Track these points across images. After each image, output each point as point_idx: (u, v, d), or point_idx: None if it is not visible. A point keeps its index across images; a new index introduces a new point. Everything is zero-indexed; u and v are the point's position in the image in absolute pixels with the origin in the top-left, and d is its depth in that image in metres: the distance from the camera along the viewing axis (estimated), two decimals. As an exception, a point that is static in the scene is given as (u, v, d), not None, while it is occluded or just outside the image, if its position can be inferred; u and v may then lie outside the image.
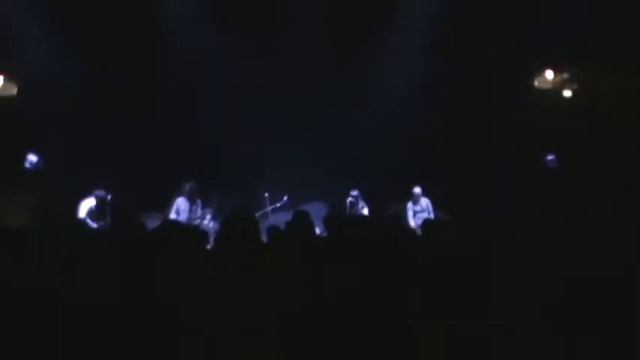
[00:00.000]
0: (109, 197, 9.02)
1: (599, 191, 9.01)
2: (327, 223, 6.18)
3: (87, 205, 9.10)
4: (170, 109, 11.12)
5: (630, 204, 4.30)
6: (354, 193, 10.47)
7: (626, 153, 9.83)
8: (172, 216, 9.04)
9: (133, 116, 10.64)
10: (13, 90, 10.19)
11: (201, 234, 3.89)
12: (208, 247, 4.04)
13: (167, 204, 9.32)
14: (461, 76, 11.18)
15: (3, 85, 10.10)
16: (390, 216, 8.63)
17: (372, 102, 11.41)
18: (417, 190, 10.71)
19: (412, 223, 10.42)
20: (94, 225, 8.79)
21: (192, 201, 9.34)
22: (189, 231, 3.75)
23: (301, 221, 5.39)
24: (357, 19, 11.14)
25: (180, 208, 9.25)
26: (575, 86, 11.19)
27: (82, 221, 8.75)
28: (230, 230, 3.15)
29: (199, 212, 9.46)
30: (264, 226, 5.28)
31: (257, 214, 8.99)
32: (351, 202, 10.42)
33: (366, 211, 10.36)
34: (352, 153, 11.12)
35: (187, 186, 9.30)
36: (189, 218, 9.11)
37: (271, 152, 11.09)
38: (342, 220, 8.29)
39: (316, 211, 9.99)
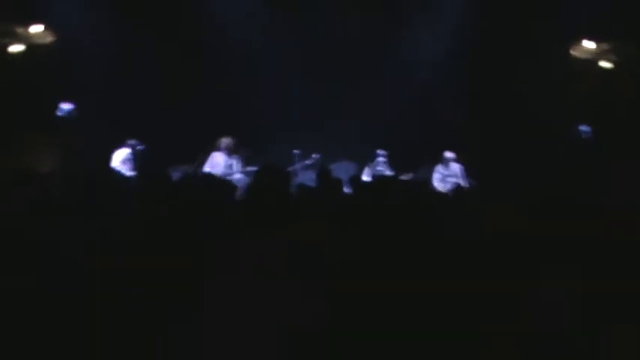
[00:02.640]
0: (141, 147, 9.09)
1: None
2: (352, 183, 6.23)
3: (121, 154, 9.13)
4: (204, 65, 11.23)
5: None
6: (381, 152, 10.55)
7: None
8: (207, 169, 8.91)
9: (167, 72, 10.74)
10: (51, 39, 10.25)
11: (227, 186, 3.86)
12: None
13: (197, 157, 9.27)
14: (495, 42, 11.02)
15: (42, 33, 10.16)
16: (419, 180, 8.63)
17: (405, 67, 11.37)
18: (449, 154, 10.61)
19: (436, 184, 10.32)
20: (129, 173, 8.67)
21: (229, 156, 9.28)
22: (213, 182, 3.74)
23: (329, 180, 5.41)
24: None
25: (214, 161, 9.19)
26: (615, 58, 10.91)
27: (115, 170, 8.87)
28: (261, 183, 3.14)
29: (236, 167, 9.29)
30: (293, 183, 5.29)
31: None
32: (381, 162, 10.48)
33: (389, 174, 10.35)
34: (385, 115, 11.19)
35: (223, 141, 9.25)
36: (225, 173, 8.96)
37: (304, 110, 11.06)
38: (369, 181, 8.32)
39: (346, 170, 10.01)
